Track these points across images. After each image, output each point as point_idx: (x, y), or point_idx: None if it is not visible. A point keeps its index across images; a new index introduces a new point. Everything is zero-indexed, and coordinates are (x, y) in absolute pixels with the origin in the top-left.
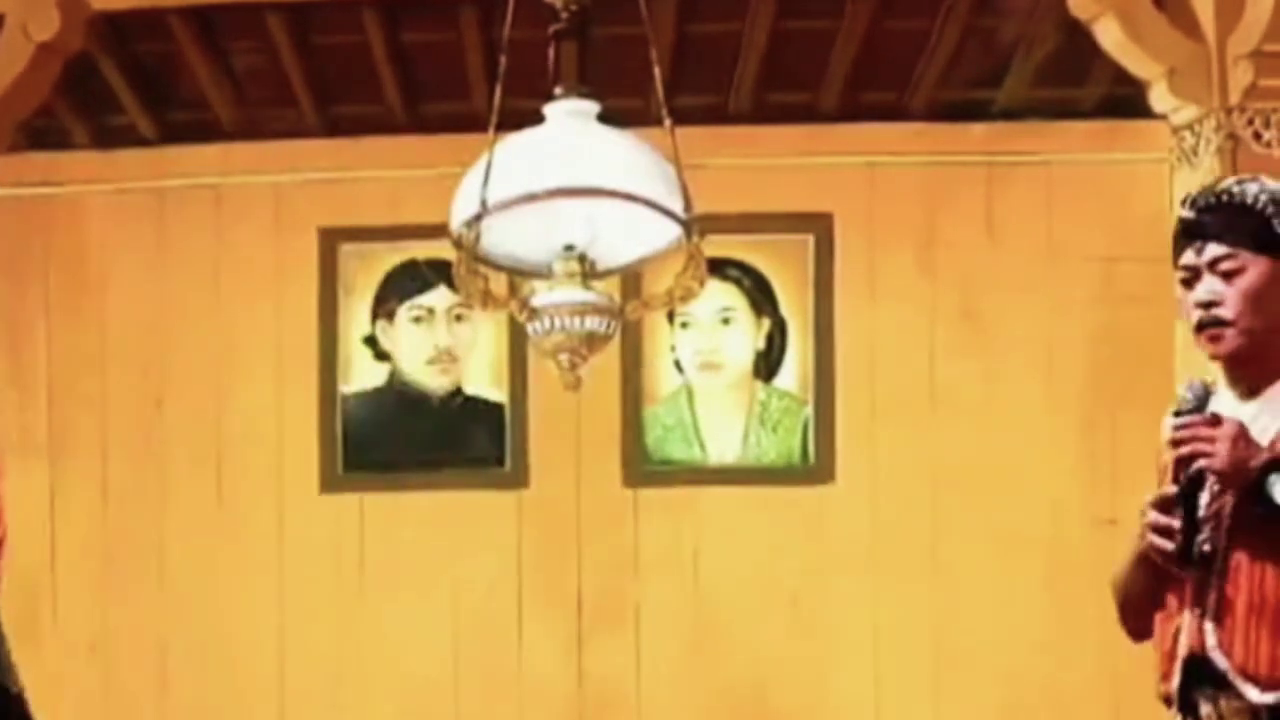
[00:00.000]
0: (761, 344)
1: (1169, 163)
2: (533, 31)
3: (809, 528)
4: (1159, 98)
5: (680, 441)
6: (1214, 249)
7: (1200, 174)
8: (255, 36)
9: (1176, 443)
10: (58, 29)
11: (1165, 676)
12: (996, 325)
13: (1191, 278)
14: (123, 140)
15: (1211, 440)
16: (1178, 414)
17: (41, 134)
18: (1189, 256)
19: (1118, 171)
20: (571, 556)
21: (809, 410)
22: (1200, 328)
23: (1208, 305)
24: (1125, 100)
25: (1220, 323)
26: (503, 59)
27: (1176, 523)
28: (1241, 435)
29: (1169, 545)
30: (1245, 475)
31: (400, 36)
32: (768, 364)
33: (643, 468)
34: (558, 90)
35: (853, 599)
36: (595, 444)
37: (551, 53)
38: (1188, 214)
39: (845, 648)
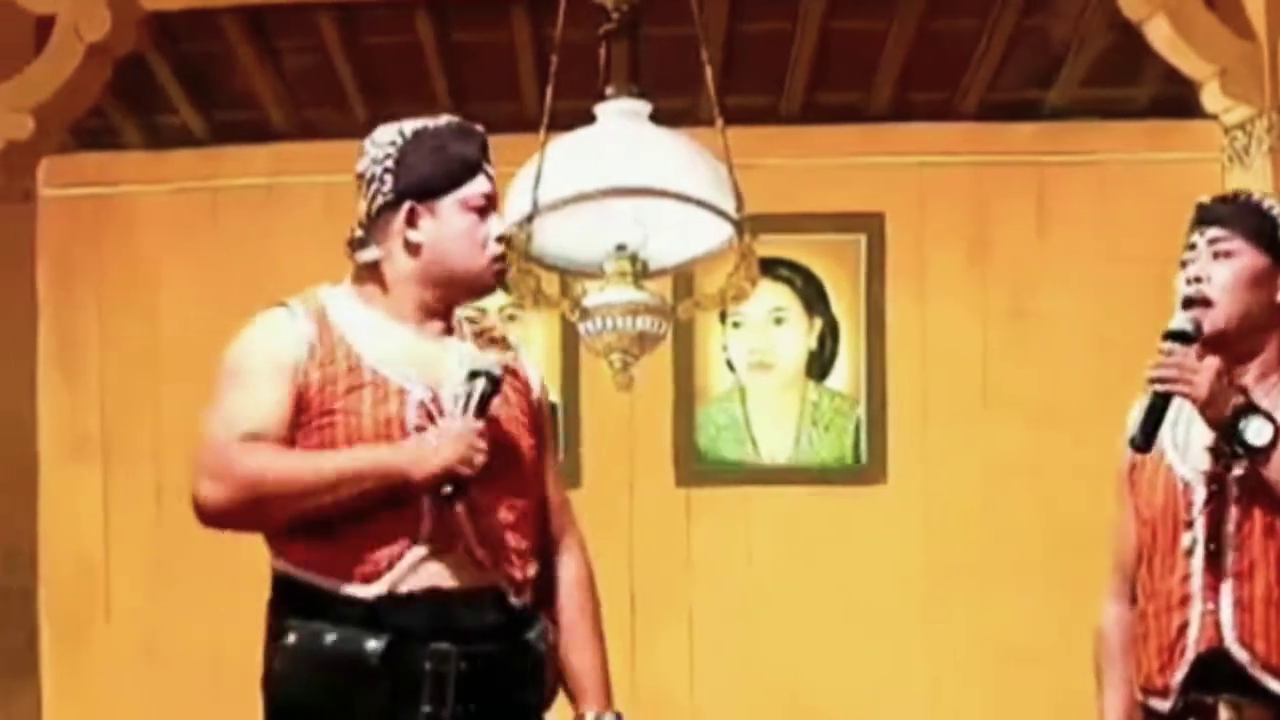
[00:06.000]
0: (813, 344)
1: (1221, 162)
2: (584, 32)
3: (861, 528)
4: (1210, 97)
5: (732, 441)
6: (1215, 230)
7: (1252, 174)
8: (306, 36)
9: (1160, 367)
10: (109, 29)
11: (1164, 668)
12: (1048, 324)
13: (1190, 259)
14: (174, 140)
15: (1194, 371)
16: (1168, 336)
17: (93, 134)
18: (1194, 237)
19: (1169, 171)
20: (624, 556)
21: (861, 410)
22: (1186, 303)
23: (1195, 280)
24: (1177, 100)
25: (1205, 301)
26: (554, 59)
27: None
28: (1223, 374)
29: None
30: (1220, 411)
31: (451, 37)
32: (820, 364)
33: (695, 468)
34: (609, 90)
35: (905, 599)
36: (647, 444)
37: (602, 53)
38: (1203, 200)
39: (898, 647)
